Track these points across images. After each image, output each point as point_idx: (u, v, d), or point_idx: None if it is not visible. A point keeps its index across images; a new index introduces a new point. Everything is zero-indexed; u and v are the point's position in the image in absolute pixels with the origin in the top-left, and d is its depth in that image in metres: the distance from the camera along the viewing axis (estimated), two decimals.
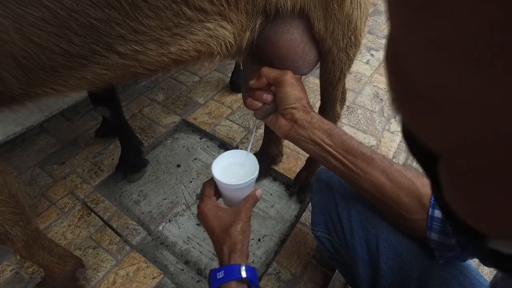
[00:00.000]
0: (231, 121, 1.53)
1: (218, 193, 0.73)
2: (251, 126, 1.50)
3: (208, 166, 1.36)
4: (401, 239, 0.74)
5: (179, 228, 1.17)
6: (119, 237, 1.12)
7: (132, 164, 1.29)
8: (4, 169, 0.70)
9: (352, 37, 0.78)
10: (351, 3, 0.72)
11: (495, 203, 0.15)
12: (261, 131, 1.39)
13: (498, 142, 0.13)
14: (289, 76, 0.69)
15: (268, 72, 0.70)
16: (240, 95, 1.64)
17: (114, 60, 0.55)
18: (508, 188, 0.13)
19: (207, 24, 0.56)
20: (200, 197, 0.76)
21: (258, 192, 0.71)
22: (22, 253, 0.79)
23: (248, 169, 0.72)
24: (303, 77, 1.35)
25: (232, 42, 0.61)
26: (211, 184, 0.72)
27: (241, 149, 1.25)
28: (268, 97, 0.71)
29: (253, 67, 0.78)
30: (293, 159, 1.37)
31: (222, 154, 0.75)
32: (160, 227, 1.17)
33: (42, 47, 0.50)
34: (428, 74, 0.14)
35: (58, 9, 0.47)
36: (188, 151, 1.43)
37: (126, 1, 0.48)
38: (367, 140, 1.46)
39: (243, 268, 0.62)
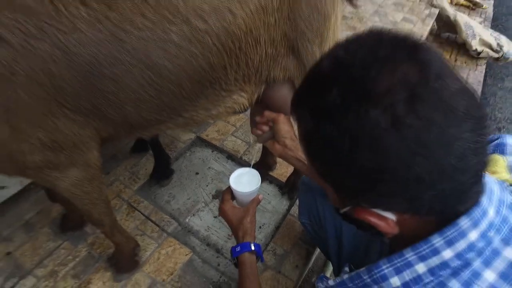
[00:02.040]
0: (235, 137, 1.96)
1: (233, 197, 1.04)
2: (251, 141, 1.93)
3: (220, 173, 1.78)
4: None
5: (200, 220, 1.59)
6: (158, 227, 1.53)
7: (162, 173, 1.70)
8: (102, 179, 1.10)
9: None
10: None
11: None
12: (260, 145, 1.82)
13: None
14: (281, 117, 1.09)
15: (268, 113, 1.09)
16: (242, 115, 2.07)
17: (180, 120, 0.97)
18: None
19: (233, 97, 0.99)
20: (221, 200, 1.04)
21: (260, 196, 1.04)
22: (108, 234, 1.19)
23: (254, 181, 1.02)
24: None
25: (247, 103, 1.04)
26: (228, 191, 1.03)
27: (244, 160, 1.69)
28: (266, 129, 1.12)
29: (258, 109, 1.21)
30: (284, 167, 1.79)
31: (236, 170, 1.05)
32: (187, 220, 1.58)
33: (144, 118, 0.91)
34: None
35: (158, 96, 0.88)
36: (203, 161, 1.85)
37: (192, 94, 0.90)
38: None
39: (252, 244, 0.94)
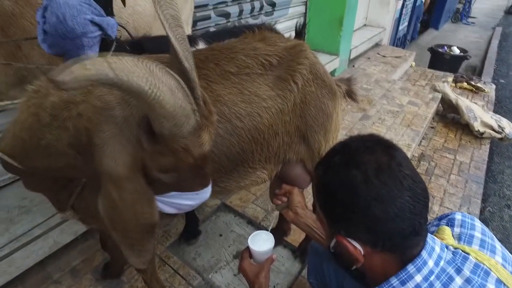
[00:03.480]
0: (255, 204, 2.23)
1: (251, 255, 1.19)
2: (270, 208, 2.18)
3: (241, 236, 2.02)
4: (355, 282, 1.35)
5: (222, 277, 1.79)
6: (184, 281, 1.74)
7: (191, 233, 1.96)
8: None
9: None
10: None
11: None
12: (277, 213, 2.07)
13: None
14: (295, 190, 1.36)
15: (285, 186, 1.38)
16: (262, 186, 2.35)
17: (216, 189, 1.26)
18: None
19: (257, 173, 1.30)
20: (240, 258, 1.18)
21: (274, 256, 1.19)
22: (147, 280, 1.42)
23: (269, 242, 1.18)
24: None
25: (267, 178, 1.35)
26: (247, 250, 1.19)
27: (263, 225, 1.94)
28: (284, 199, 1.40)
29: (277, 182, 1.50)
30: (297, 233, 2.01)
31: (254, 232, 1.21)
32: (210, 276, 1.79)
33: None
34: None
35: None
36: (227, 225, 2.11)
37: (228, 170, 1.22)
38: None
39: None
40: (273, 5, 3.67)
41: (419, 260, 0.73)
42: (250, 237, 1.22)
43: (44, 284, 1.70)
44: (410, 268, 0.72)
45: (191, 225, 1.97)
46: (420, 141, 3.35)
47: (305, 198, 1.37)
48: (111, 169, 0.68)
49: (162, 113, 0.62)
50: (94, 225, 1.23)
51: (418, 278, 0.72)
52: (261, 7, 3.52)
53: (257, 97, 1.18)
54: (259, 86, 1.19)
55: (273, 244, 1.20)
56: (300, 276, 1.77)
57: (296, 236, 1.99)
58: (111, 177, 0.69)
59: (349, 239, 0.76)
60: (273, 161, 1.35)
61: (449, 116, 3.87)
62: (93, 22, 0.93)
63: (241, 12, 3.26)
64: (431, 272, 0.73)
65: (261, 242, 1.19)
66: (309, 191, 2.31)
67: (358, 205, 0.71)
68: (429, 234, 0.77)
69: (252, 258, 1.21)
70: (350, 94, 1.66)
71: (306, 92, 1.29)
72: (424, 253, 0.73)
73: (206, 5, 2.85)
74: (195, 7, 2.50)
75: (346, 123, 3.33)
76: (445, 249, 0.78)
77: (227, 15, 3.11)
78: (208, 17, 2.90)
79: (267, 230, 1.25)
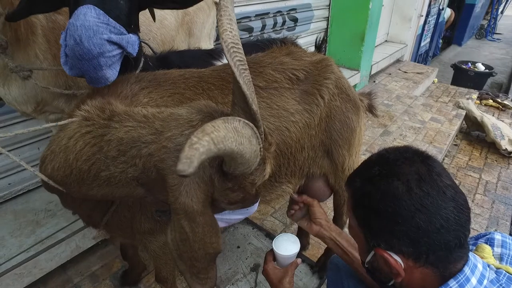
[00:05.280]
0: (274, 217, 2.21)
1: (274, 259, 1.19)
2: (288, 222, 2.16)
3: (258, 249, 2.00)
4: None
5: None
6: None
7: None
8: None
9: None
10: (348, 170, 1.44)
11: None
12: (295, 226, 2.05)
13: None
14: (316, 202, 1.36)
15: (305, 198, 1.35)
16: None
17: None
18: None
19: (283, 187, 1.30)
20: (264, 261, 1.17)
21: (299, 260, 1.19)
22: None
23: (294, 246, 1.17)
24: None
25: (292, 192, 1.34)
26: (271, 253, 1.19)
27: None
28: (295, 207, 1.32)
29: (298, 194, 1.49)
30: (316, 248, 1.98)
31: (279, 235, 1.20)
32: None
33: None
34: None
35: None
36: (244, 237, 2.10)
37: None
38: None
39: None
40: (295, 20, 3.72)
41: (462, 276, 0.70)
42: (274, 239, 1.19)
43: (65, 287, 1.73)
44: (452, 284, 0.70)
45: None
46: (443, 159, 3.26)
47: (325, 212, 1.35)
48: (187, 206, 0.71)
49: (241, 162, 0.67)
50: (121, 240, 1.25)
51: None
52: (284, 22, 3.57)
53: (285, 111, 1.19)
54: (287, 100, 1.20)
55: (298, 248, 1.17)
56: None
57: (314, 251, 1.96)
58: (186, 213, 0.72)
59: (389, 253, 0.73)
60: (298, 175, 1.35)
61: (474, 134, 3.76)
62: (111, 41, 0.92)
63: (263, 27, 3.32)
64: None
65: (286, 246, 1.16)
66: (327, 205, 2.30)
67: (401, 216, 0.69)
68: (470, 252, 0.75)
69: (276, 262, 1.19)
70: (371, 109, 1.65)
71: (332, 107, 1.29)
72: (466, 269, 0.71)
73: None
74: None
75: (367, 138, 3.29)
76: (487, 268, 0.75)
77: (250, 30, 3.18)
78: None
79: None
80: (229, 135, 0.57)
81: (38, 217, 1.83)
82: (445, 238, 0.68)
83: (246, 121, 0.64)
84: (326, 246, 1.79)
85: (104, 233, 1.19)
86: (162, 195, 0.77)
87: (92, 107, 0.85)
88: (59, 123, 0.88)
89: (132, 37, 1.00)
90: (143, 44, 1.23)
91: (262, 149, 0.72)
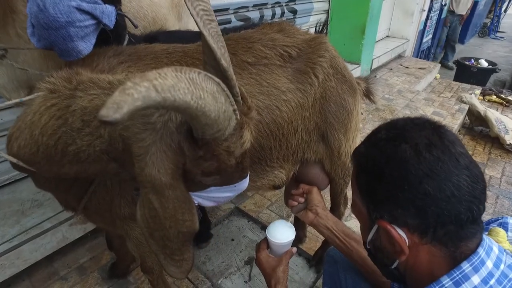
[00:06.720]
0: (270, 210, 2.14)
1: (268, 247, 1.12)
2: (285, 215, 2.09)
3: (253, 242, 1.93)
4: None
5: (232, 283, 1.70)
6: (192, 285, 1.66)
7: (202, 236, 1.89)
8: None
9: (346, 172, 1.41)
10: (345, 155, 1.37)
11: None
12: (292, 219, 1.97)
13: None
14: (315, 189, 1.27)
15: (303, 186, 1.29)
16: (277, 192, 2.27)
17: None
18: None
19: (275, 172, 1.22)
20: (257, 249, 1.11)
21: (294, 249, 1.13)
22: (153, 282, 1.35)
23: (288, 233, 1.09)
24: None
25: (285, 178, 1.27)
26: (265, 241, 1.12)
27: None
28: (301, 200, 1.30)
29: (293, 183, 1.42)
30: (313, 241, 1.91)
31: (273, 222, 1.11)
32: (219, 281, 1.70)
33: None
34: None
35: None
36: (239, 229, 2.02)
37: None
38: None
39: None
40: (294, 12, 3.65)
41: (476, 258, 0.61)
42: (268, 226, 1.12)
43: (51, 280, 1.67)
44: (466, 266, 0.60)
45: (203, 227, 1.89)
46: None
47: (323, 199, 1.28)
48: (154, 178, 0.64)
49: (206, 122, 0.58)
50: (101, 225, 1.18)
51: (476, 279, 0.59)
52: (282, 14, 3.50)
53: (276, 90, 1.12)
54: (278, 78, 1.13)
55: (293, 236, 1.10)
56: (315, 286, 1.66)
57: (311, 244, 1.89)
58: (153, 186, 0.65)
59: (393, 225, 0.65)
60: (291, 160, 1.27)
61: (477, 129, 3.68)
62: (81, 10, 0.84)
63: (262, 17, 3.25)
64: (490, 274, 0.60)
65: (281, 233, 1.10)
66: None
67: (408, 181, 0.61)
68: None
69: (270, 250, 1.12)
70: (368, 94, 1.58)
71: (327, 87, 1.22)
72: (481, 250, 0.61)
73: (227, 9, 2.86)
74: (216, 10, 2.50)
75: (367, 132, 3.20)
76: (504, 252, 0.66)
77: (247, 20, 3.11)
78: (228, 21, 2.90)
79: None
80: (180, 85, 0.48)
81: (23, 207, 1.77)
82: (456, 209, 0.59)
83: (210, 75, 0.56)
84: (323, 239, 1.72)
85: (83, 218, 1.11)
86: (134, 170, 0.70)
87: (58, 78, 0.78)
88: (23, 98, 0.81)
89: (108, 7, 0.92)
90: (126, 20, 1.16)
91: (237, 112, 0.64)
